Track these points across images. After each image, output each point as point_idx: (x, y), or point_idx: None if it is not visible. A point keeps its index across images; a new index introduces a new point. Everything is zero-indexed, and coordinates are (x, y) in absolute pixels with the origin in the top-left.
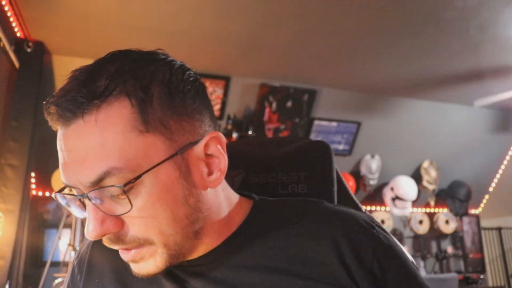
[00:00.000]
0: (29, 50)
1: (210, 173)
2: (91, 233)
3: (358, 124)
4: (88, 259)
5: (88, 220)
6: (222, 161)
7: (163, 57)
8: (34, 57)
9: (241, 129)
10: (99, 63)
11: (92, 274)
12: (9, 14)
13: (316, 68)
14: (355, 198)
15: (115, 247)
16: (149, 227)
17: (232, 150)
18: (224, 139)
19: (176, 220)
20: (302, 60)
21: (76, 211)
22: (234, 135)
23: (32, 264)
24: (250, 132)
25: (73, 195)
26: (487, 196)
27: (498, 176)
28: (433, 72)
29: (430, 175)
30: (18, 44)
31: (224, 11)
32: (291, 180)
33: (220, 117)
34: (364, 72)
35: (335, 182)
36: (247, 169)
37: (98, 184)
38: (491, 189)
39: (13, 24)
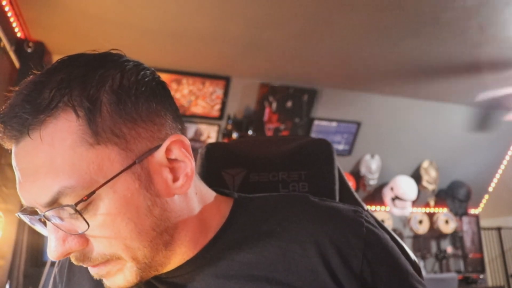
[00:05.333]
0: (29, 50)
1: (175, 179)
2: (53, 253)
3: (358, 124)
4: (68, 267)
5: (49, 240)
6: (188, 165)
7: (115, 58)
8: (35, 57)
9: (241, 129)
10: (45, 73)
11: (72, 282)
12: (9, 14)
13: (316, 68)
14: (357, 196)
15: (83, 264)
16: (113, 243)
17: (232, 148)
18: (187, 142)
19: (141, 233)
20: (302, 60)
21: (41, 230)
22: (234, 135)
23: (32, 264)
24: (250, 132)
25: (34, 214)
26: (486, 196)
27: (497, 176)
28: (433, 72)
29: (430, 175)
30: (19, 44)
31: (224, 11)
32: (292, 178)
33: (220, 117)
34: (364, 72)
35: (337, 180)
36: (248, 168)
37: (53, 204)
38: (490, 189)
39: (14, 24)
